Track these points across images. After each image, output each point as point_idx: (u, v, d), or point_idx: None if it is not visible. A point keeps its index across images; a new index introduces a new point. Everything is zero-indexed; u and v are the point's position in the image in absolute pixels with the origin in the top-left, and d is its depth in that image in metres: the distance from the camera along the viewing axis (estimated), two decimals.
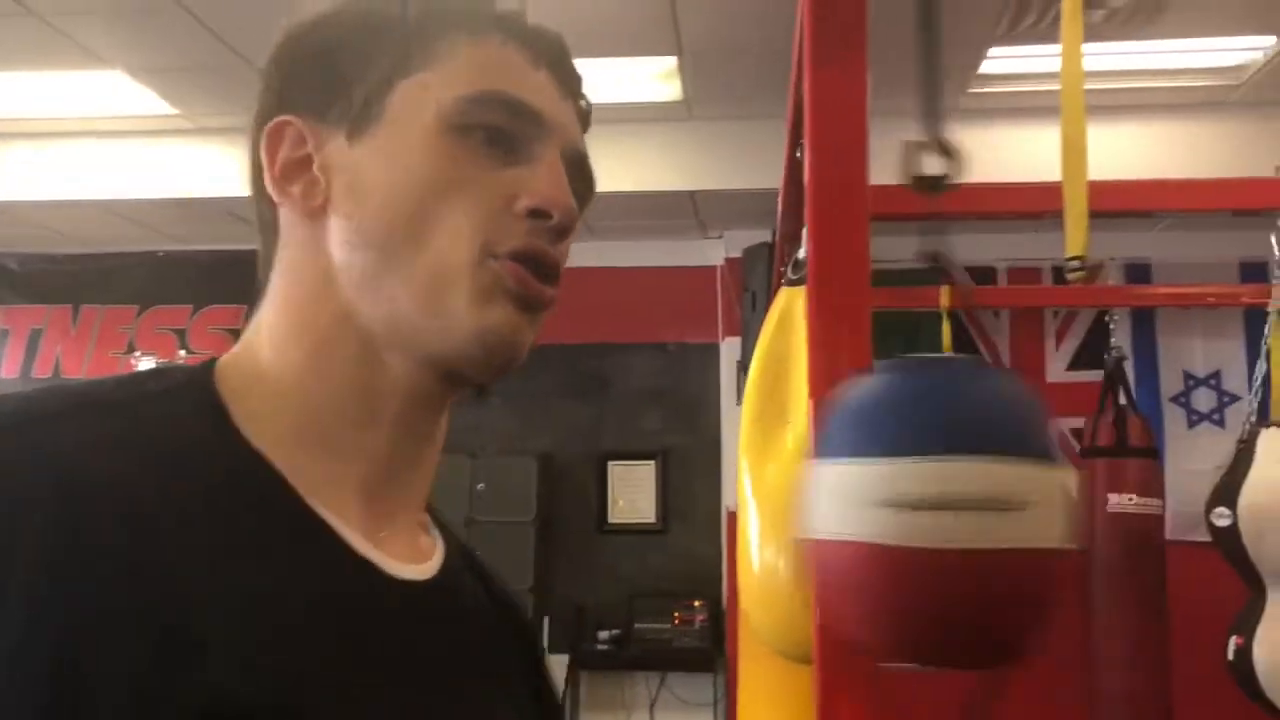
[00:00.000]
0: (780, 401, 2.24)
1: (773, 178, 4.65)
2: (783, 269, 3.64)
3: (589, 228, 5.42)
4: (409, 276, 0.67)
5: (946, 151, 1.07)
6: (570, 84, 0.76)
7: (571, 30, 3.28)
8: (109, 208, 5.08)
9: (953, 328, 4.47)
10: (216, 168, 4.85)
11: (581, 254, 4.86)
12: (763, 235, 5.27)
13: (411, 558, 0.73)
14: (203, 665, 0.54)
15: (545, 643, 5.04)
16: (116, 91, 4.36)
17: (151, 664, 0.53)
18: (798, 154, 2.37)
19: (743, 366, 5.20)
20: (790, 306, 2.29)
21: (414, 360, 0.69)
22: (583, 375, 5.66)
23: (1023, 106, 4.38)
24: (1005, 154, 4.39)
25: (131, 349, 5.65)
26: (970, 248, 4.91)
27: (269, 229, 0.74)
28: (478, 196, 0.68)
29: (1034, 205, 3.52)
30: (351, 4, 0.73)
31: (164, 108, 4.52)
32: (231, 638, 0.56)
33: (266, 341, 0.70)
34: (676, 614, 5.22)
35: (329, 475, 0.67)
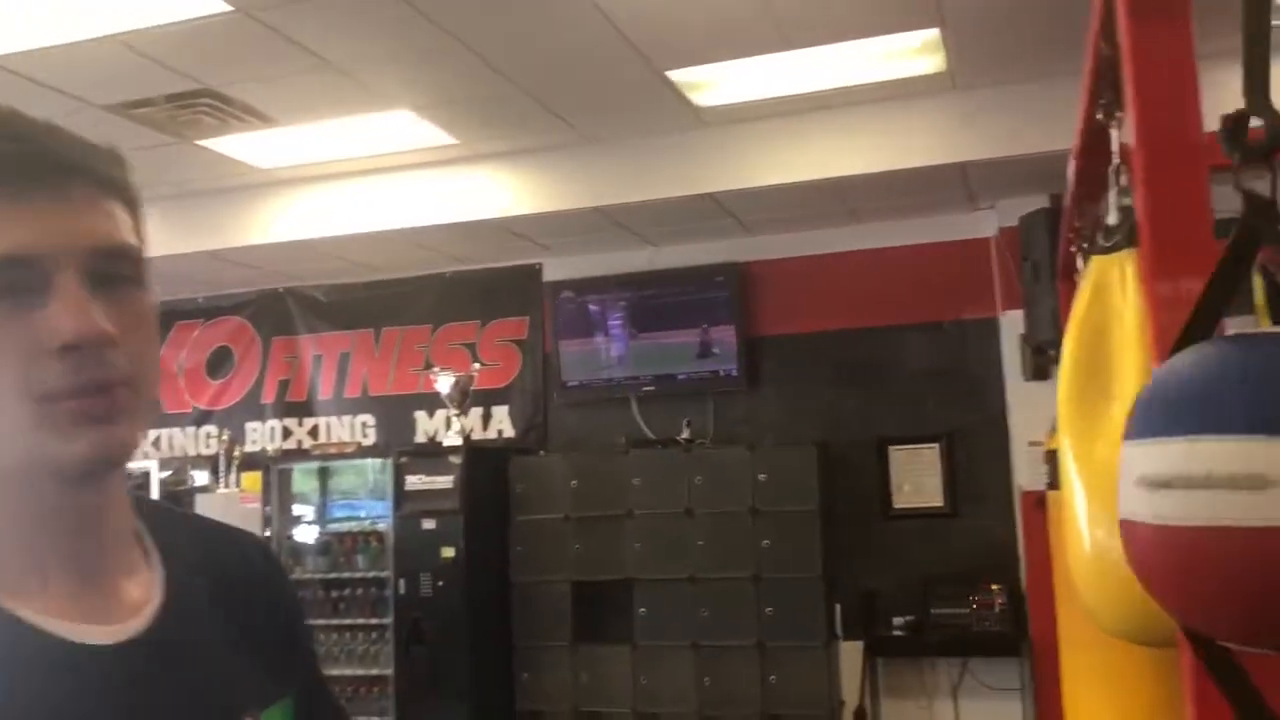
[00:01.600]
0: (1103, 377, 2.13)
1: (1047, 141, 4.44)
2: (1074, 235, 3.48)
3: (851, 211, 5.36)
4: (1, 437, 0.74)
5: (1274, 121, 0.98)
6: (54, 185, 0.74)
7: (830, 13, 3.28)
8: (400, 236, 5.47)
9: (1267, 288, 4.11)
10: (491, 189, 5.13)
11: (845, 238, 4.87)
12: (1038, 202, 5.04)
13: (124, 615, 0.78)
14: None
15: (838, 630, 5.05)
16: (403, 129, 4.69)
17: None
18: (1098, 114, 2.27)
19: (1027, 339, 5.00)
20: (1105, 275, 2.16)
21: (41, 479, 0.75)
22: (855, 361, 5.60)
23: None
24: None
25: (429, 365, 6.06)
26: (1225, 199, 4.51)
27: None
28: (13, 355, 0.72)
29: None
30: None
31: (444, 139, 4.82)
32: None
33: None
34: (974, 598, 5.08)
35: (23, 579, 0.75)
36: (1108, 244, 2.20)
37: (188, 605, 0.83)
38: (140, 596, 0.80)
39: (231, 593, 0.89)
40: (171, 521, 0.91)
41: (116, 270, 0.77)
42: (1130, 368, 2.07)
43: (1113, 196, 2.19)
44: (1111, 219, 2.19)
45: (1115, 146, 2.20)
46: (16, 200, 0.73)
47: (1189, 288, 1.47)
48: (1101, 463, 2.10)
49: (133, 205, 0.81)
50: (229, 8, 3.53)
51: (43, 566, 0.76)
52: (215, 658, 0.84)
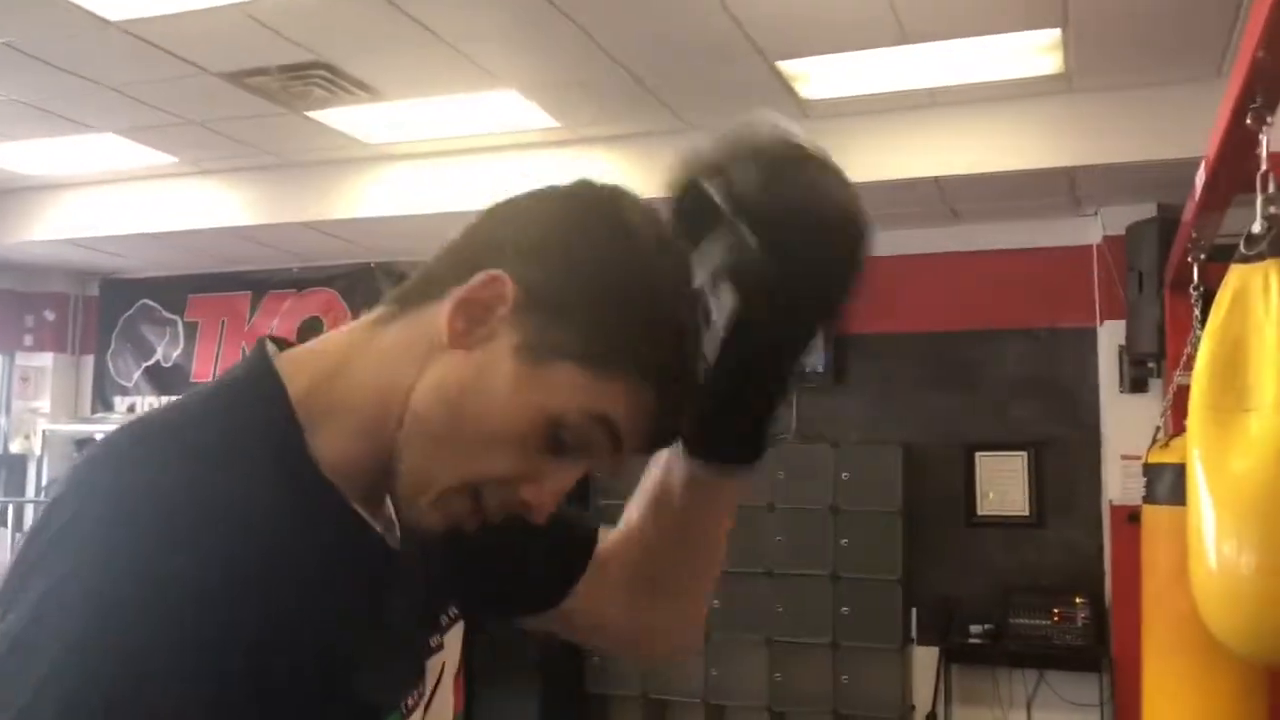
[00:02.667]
0: (1238, 388, 2.08)
1: (1159, 150, 4.35)
2: (1191, 245, 3.39)
3: (953, 211, 5.29)
4: (415, 457, 0.79)
5: None
6: (674, 410, 0.82)
7: (953, 9, 3.23)
8: None
9: None
10: (592, 174, 5.13)
11: (944, 239, 4.81)
12: (1145, 211, 4.93)
13: (387, 523, 0.87)
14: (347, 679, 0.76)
15: (913, 634, 5.00)
16: (508, 109, 4.72)
17: (320, 680, 0.73)
18: (1247, 119, 2.20)
19: (1126, 351, 4.90)
20: (1246, 285, 2.11)
21: (387, 489, 0.83)
22: (946, 363, 5.52)
23: None
24: None
25: None
26: None
27: (435, 293, 0.82)
28: (505, 464, 0.78)
29: None
30: (599, 265, 0.80)
31: (548, 121, 4.84)
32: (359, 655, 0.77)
33: (345, 384, 0.82)
34: (1055, 610, 4.99)
35: (365, 487, 0.82)
36: (1250, 253, 2.15)
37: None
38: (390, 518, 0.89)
39: None
40: None
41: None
42: (1270, 381, 2.02)
43: (1260, 204, 2.13)
44: (1256, 227, 2.13)
45: (1264, 152, 2.14)
46: (663, 401, 0.80)
47: None
48: (1235, 476, 2.05)
49: None
50: None
51: (370, 486, 0.83)
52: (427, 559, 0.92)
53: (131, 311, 7.31)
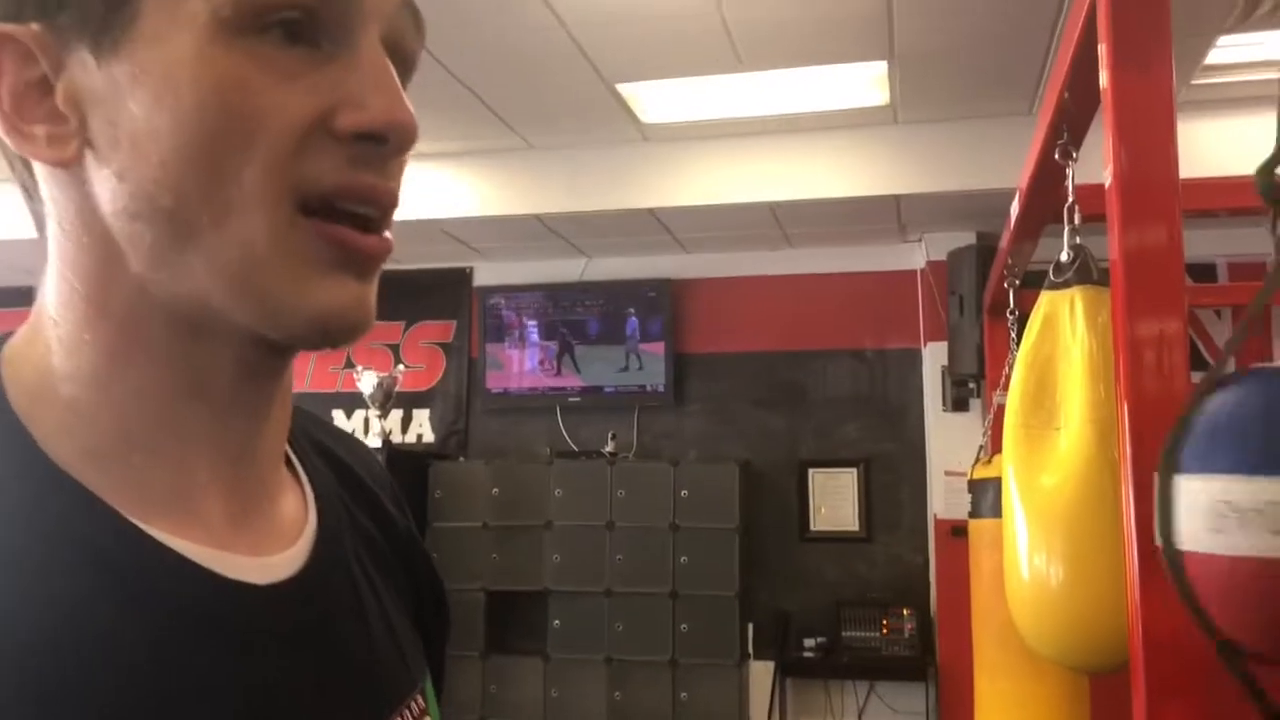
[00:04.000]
0: (1048, 407, 2.21)
1: (978, 180, 4.59)
2: (1006, 272, 3.58)
3: (785, 235, 5.44)
4: (209, 252, 0.51)
5: None
6: None
7: (787, 39, 3.34)
8: None
9: None
10: (430, 190, 5.07)
11: (777, 261, 4.95)
12: (965, 238, 5.18)
13: (282, 543, 0.60)
14: None
15: (750, 649, 5.09)
16: None
17: None
18: (1055, 154, 2.34)
19: (949, 371, 5.12)
20: (1054, 310, 2.24)
21: (234, 341, 0.54)
22: (780, 383, 5.67)
23: (1249, 96, 4.19)
24: (1230, 145, 4.21)
25: (350, 364, 5.95)
26: (1186, 244, 4.70)
27: (27, 186, 0.56)
28: (276, 120, 0.50)
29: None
30: None
31: None
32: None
33: (55, 333, 0.54)
34: (884, 622, 5.17)
35: (159, 480, 0.54)
36: (1058, 280, 2.29)
37: (336, 532, 0.65)
38: (292, 518, 0.62)
39: (371, 517, 0.71)
40: (303, 421, 0.70)
41: (409, 51, 0.57)
42: (1076, 400, 2.15)
43: (1066, 234, 2.27)
44: (1064, 256, 2.27)
45: (1071, 186, 2.27)
46: None
47: (1161, 327, 1.53)
48: (1045, 491, 2.17)
49: None
50: None
51: (193, 476, 0.56)
52: (373, 613, 0.65)
53: None
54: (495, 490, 5.50)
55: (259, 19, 0.50)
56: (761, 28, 3.69)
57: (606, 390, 5.79)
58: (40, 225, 0.56)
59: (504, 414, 5.95)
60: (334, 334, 0.54)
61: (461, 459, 5.86)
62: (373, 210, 0.54)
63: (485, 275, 6.02)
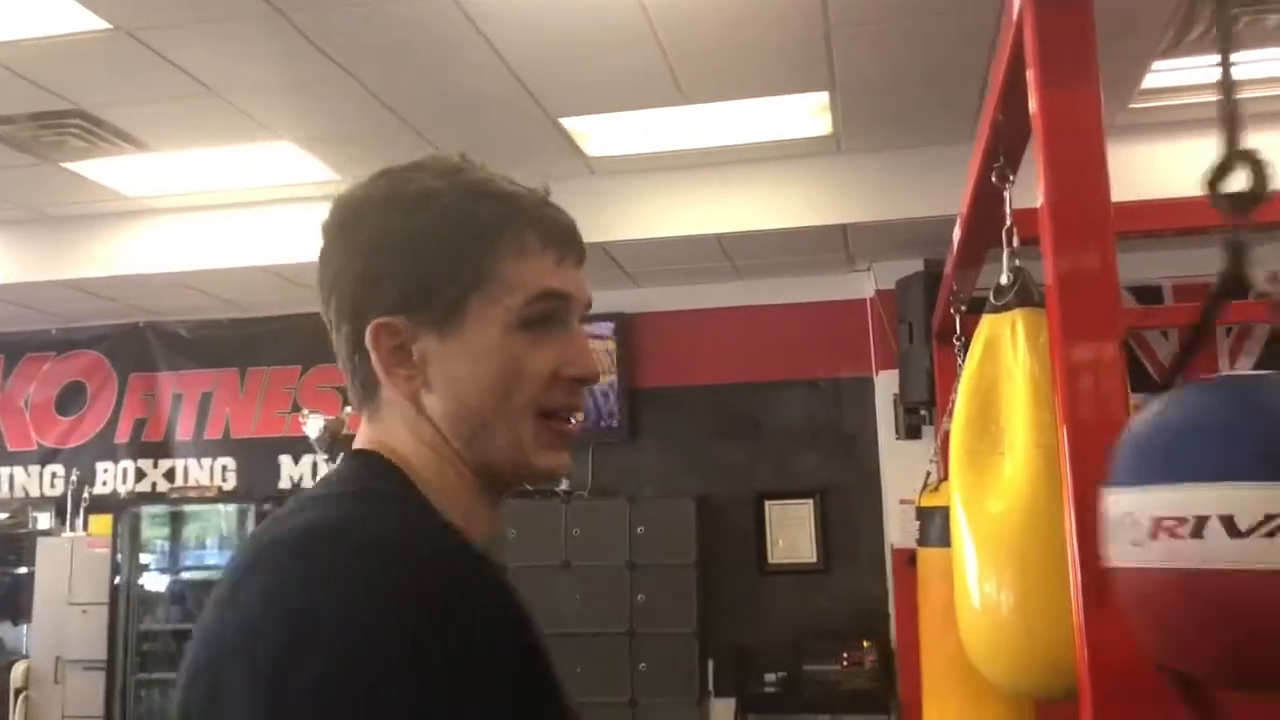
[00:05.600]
0: (993, 432, 2.18)
1: (923, 208, 4.60)
2: (952, 298, 3.58)
3: (734, 267, 5.43)
4: (495, 441, 0.92)
5: (1255, 167, 1.03)
6: (580, 253, 0.99)
7: (726, 72, 3.33)
8: (272, 272, 5.29)
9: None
10: None
11: (728, 294, 4.91)
12: (913, 265, 5.20)
13: None
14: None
15: (710, 686, 5.02)
16: (283, 161, 4.56)
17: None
18: (992, 178, 2.33)
19: (901, 399, 5.11)
20: (996, 334, 2.23)
21: (502, 480, 0.95)
22: (734, 415, 5.64)
23: (1186, 119, 4.25)
24: (1169, 168, 4.26)
25: (296, 407, 5.85)
26: (1131, 266, 4.74)
27: (368, 386, 0.95)
28: (533, 374, 0.91)
29: (1210, 220, 3.35)
30: (413, 223, 0.92)
31: (326, 173, 4.70)
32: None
33: (408, 453, 0.93)
34: (845, 655, 5.12)
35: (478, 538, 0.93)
36: (999, 303, 2.27)
37: None
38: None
39: None
40: None
41: (588, 312, 1.00)
42: (1020, 424, 2.12)
43: (1005, 257, 2.26)
44: (1004, 279, 2.25)
45: (1008, 209, 2.27)
46: (561, 260, 0.95)
47: (1098, 350, 1.51)
48: (992, 517, 2.14)
49: None
50: (106, 25, 3.38)
51: (471, 528, 0.93)
52: None
53: None
54: None
55: (529, 316, 0.92)
56: (701, 59, 3.69)
57: None
58: (371, 404, 0.96)
59: None
60: (559, 476, 0.98)
61: None
62: (578, 414, 0.97)
63: None
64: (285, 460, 5.97)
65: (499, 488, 0.96)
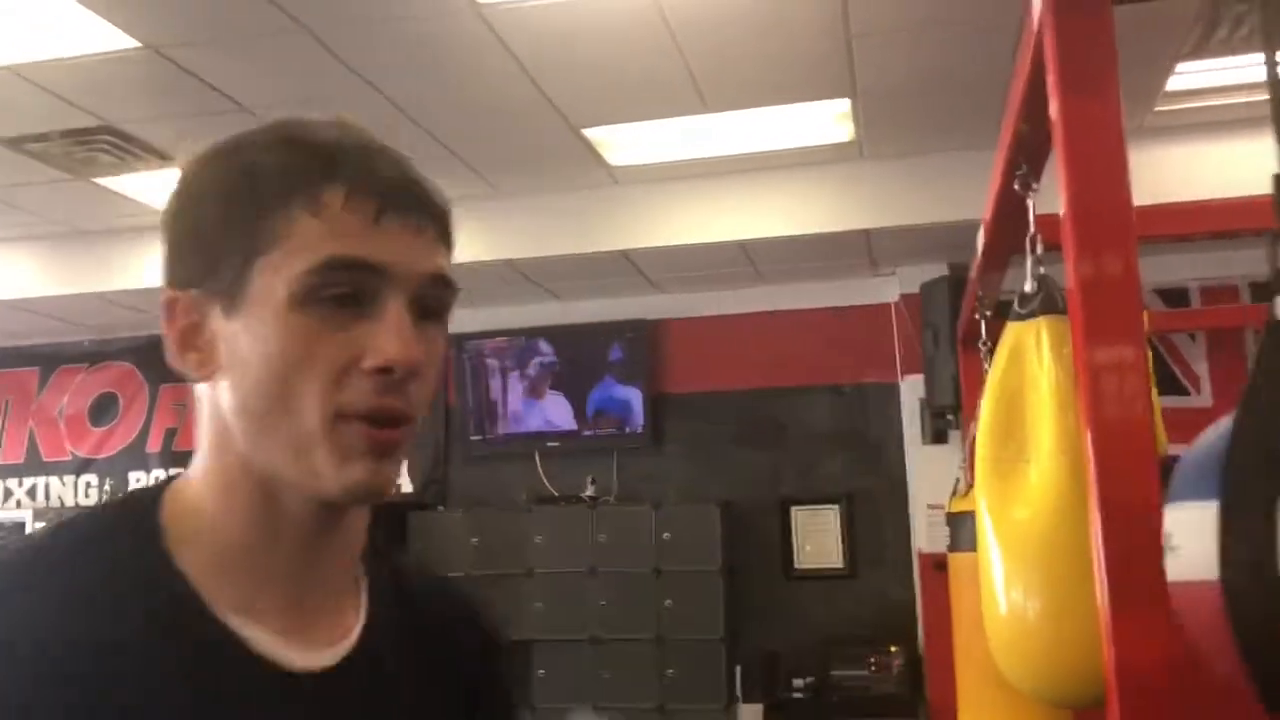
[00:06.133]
0: (1018, 439, 2.18)
1: (947, 212, 4.60)
2: (977, 303, 3.58)
3: (758, 272, 5.44)
4: (279, 440, 0.76)
5: None
6: (424, 219, 0.80)
7: (749, 80, 3.34)
8: None
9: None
10: None
11: (751, 299, 4.92)
12: (937, 269, 5.20)
13: (331, 640, 0.83)
14: None
15: (738, 692, 5.02)
16: None
17: None
18: (1014, 185, 2.34)
19: (927, 404, 5.11)
20: (1020, 341, 2.23)
21: (298, 501, 0.79)
22: (758, 421, 5.65)
23: (1212, 121, 4.23)
24: (1195, 171, 4.24)
25: None
26: (1157, 269, 4.73)
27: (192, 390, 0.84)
28: (323, 363, 0.75)
29: (1235, 223, 3.35)
30: (207, 178, 0.80)
31: None
32: None
33: (194, 484, 0.82)
34: (873, 659, 5.11)
35: (247, 591, 0.78)
36: (1023, 311, 2.27)
37: (374, 644, 0.85)
38: (348, 621, 0.85)
39: (432, 649, 0.92)
40: (384, 563, 0.94)
41: (437, 303, 0.81)
42: (1046, 431, 2.13)
43: (1029, 265, 2.26)
44: (1028, 286, 2.26)
45: (1031, 216, 2.27)
46: (379, 218, 0.77)
47: (1121, 355, 1.51)
48: (1018, 524, 2.14)
49: (451, 256, 0.85)
50: (137, 44, 3.43)
51: (267, 582, 0.80)
52: (411, 687, 0.88)
53: None
54: (475, 539, 5.44)
55: (319, 286, 0.75)
56: (724, 69, 3.71)
57: (584, 434, 5.75)
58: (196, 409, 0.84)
59: (483, 461, 5.91)
60: (361, 499, 0.80)
61: (441, 508, 5.80)
62: (395, 419, 0.78)
63: (461, 322, 5.97)
64: None
65: (303, 518, 0.80)
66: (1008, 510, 2.16)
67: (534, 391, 5.85)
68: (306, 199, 0.76)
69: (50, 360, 6.56)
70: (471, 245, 5.11)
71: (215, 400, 0.79)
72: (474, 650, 0.98)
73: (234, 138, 0.81)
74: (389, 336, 0.75)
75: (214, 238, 0.78)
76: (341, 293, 0.75)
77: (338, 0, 3.21)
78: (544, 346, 5.84)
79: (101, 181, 4.62)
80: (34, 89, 3.73)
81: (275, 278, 0.75)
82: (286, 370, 0.75)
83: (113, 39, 3.40)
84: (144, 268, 5.38)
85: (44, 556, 0.77)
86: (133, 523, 0.79)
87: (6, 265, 5.52)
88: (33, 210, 5.02)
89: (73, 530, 0.79)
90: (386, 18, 3.31)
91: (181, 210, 0.81)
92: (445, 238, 0.83)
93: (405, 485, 5.98)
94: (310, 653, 0.80)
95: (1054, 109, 1.63)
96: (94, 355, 6.48)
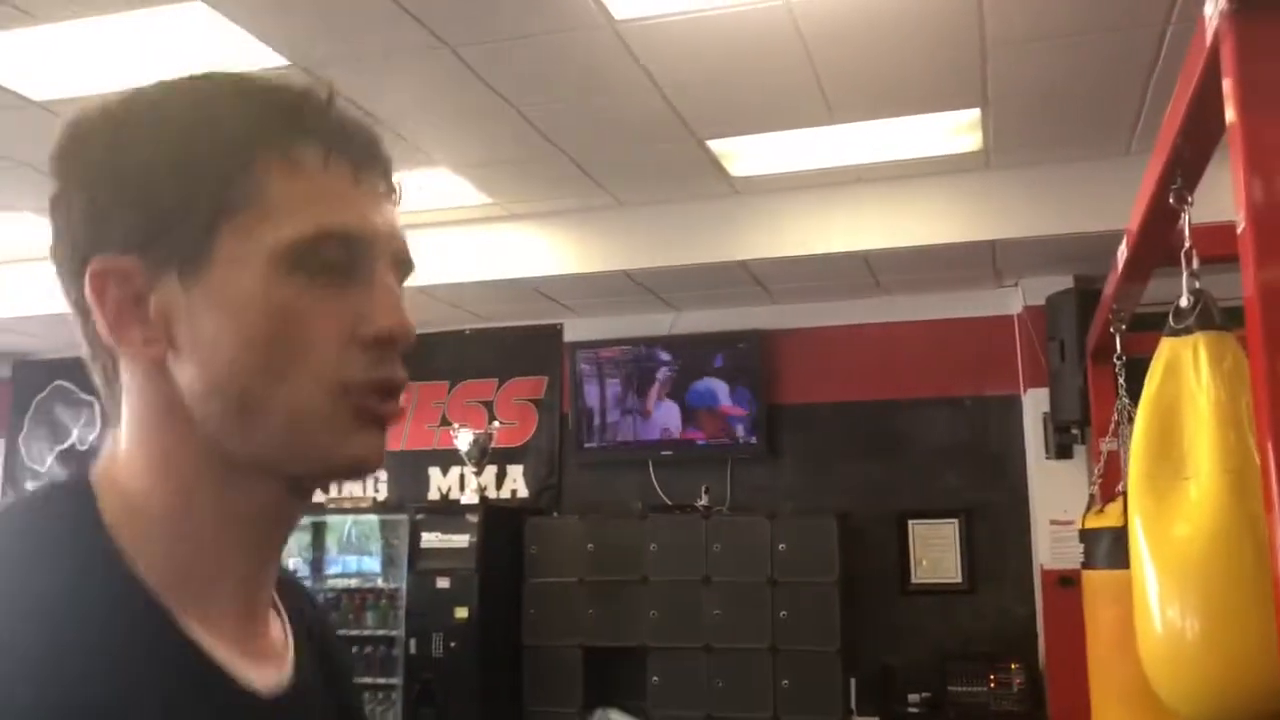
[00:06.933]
0: (1175, 456, 2.14)
1: (1075, 224, 4.52)
2: (1112, 317, 3.50)
3: (878, 283, 5.40)
4: (268, 420, 0.68)
5: None
6: (386, 177, 0.75)
7: (877, 93, 3.34)
8: (428, 292, 5.48)
9: None
10: (524, 250, 5.17)
11: (870, 310, 4.91)
12: (1063, 281, 5.10)
13: (275, 656, 0.76)
14: None
15: (853, 705, 4.99)
16: (440, 186, 4.73)
17: None
18: (1170, 199, 2.30)
19: (1051, 418, 5.01)
20: (1176, 357, 2.19)
21: (275, 489, 0.71)
22: (876, 432, 5.60)
23: None
24: None
25: (445, 421, 6.04)
26: None
27: (108, 370, 0.73)
28: (322, 334, 0.68)
29: None
30: (146, 125, 0.70)
31: (480, 198, 4.86)
32: None
33: (131, 476, 0.70)
34: (992, 676, 5.03)
35: (202, 598, 0.69)
36: (1179, 326, 2.23)
37: (306, 656, 0.80)
38: (278, 638, 0.78)
39: (319, 642, 0.86)
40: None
41: (404, 271, 0.76)
42: (1205, 448, 2.09)
43: (1185, 279, 2.22)
44: (1183, 301, 2.22)
45: (1187, 230, 2.23)
46: (358, 181, 0.72)
47: None
48: (1177, 542, 2.11)
49: None
50: (286, 62, 3.57)
51: (222, 587, 0.71)
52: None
53: (45, 393, 7.09)
54: (590, 545, 5.51)
55: (305, 256, 0.68)
56: (854, 80, 3.71)
57: (698, 443, 5.78)
58: (110, 400, 0.73)
59: (596, 468, 5.97)
60: (363, 474, 0.72)
61: (555, 514, 5.89)
62: (393, 390, 0.73)
63: (575, 331, 6.08)
64: (434, 472, 6.17)
65: (278, 504, 0.72)
66: (1165, 528, 2.12)
67: (647, 400, 5.89)
68: (278, 156, 0.69)
69: None
70: (592, 256, 5.21)
71: (161, 382, 0.69)
72: (333, 632, 0.92)
73: (163, 84, 0.72)
74: (386, 306, 0.71)
75: (162, 195, 0.68)
76: (331, 261, 0.69)
77: (481, 18, 3.30)
78: (660, 355, 5.89)
79: None
80: None
81: (250, 244, 0.68)
82: (275, 345, 0.67)
83: (263, 57, 3.54)
84: None
85: None
86: (73, 523, 0.68)
87: None
88: None
89: (7, 533, 0.67)
90: (526, 34, 3.39)
91: (110, 162, 0.69)
92: (397, 198, 0.78)
93: (521, 490, 6.08)
94: (261, 669, 0.72)
95: (1231, 115, 1.60)
96: None
